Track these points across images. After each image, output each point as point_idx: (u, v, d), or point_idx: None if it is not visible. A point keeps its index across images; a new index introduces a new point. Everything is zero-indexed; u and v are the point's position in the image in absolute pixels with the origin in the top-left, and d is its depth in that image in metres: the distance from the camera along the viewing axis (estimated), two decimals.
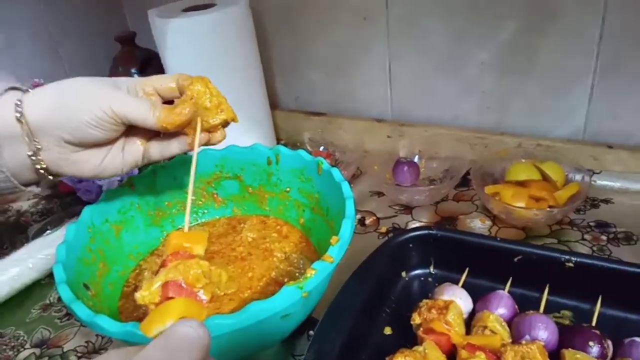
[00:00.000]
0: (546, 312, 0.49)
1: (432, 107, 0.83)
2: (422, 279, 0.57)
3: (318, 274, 0.43)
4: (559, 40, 0.69)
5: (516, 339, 0.46)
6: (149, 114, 0.44)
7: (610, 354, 0.44)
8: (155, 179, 0.62)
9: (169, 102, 0.49)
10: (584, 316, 0.49)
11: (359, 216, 0.71)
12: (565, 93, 0.72)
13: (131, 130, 0.47)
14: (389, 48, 0.81)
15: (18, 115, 0.42)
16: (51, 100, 0.43)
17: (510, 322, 0.48)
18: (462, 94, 0.79)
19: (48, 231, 0.71)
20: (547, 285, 0.51)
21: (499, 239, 0.57)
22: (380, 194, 0.75)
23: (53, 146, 0.44)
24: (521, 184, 0.66)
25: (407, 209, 0.71)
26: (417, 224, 0.68)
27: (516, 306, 0.50)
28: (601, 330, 0.45)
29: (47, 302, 0.64)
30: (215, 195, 0.65)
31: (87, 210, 0.54)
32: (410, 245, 0.57)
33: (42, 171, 0.45)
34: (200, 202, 0.65)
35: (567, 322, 0.50)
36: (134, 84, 0.47)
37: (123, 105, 0.44)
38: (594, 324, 0.47)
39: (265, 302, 0.40)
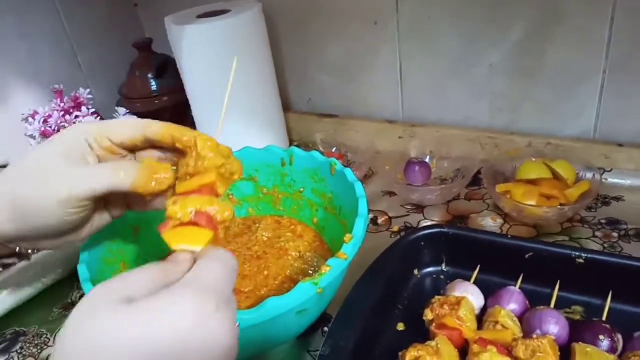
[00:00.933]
0: (557, 307, 0.50)
1: (443, 109, 0.84)
2: (434, 276, 0.58)
3: (332, 270, 0.44)
4: (567, 41, 0.69)
5: (527, 333, 0.47)
6: (116, 180, 0.37)
7: (620, 347, 0.45)
8: None
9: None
10: (594, 311, 0.50)
11: (371, 215, 0.72)
12: (574, 93, 0.72)
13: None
14: (400, 51, 0.82)
15: None
16: (10, 214, 0.37)
17: (521, 317, 0.49)
18: (473, 96, 0.80)
19: None
20: (558, 281, 0.52)
21: (509, 236, 0.57)
22: (392, 193, 0.76)
23: (30, 245, 0.41)
24: (532, 182, 0.67)
25: (419, 208, 0.72)
26: (429, 223, 0.69)
27: (527, 302, 0.51)
28: (611, 324, 0.46)
29: (69, 301, 0.66)
30: (231, 196, 0.67)
31: None
32: (422, 243, 0.58)
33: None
34: None
35: (577, 317, 0.51)
36: (85, 143, 0.38)
37: (85, 189, 0.37)
38: (604, 318, 0.48)
39: (281, 298, 0.42)
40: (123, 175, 0.37)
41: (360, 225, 0.48)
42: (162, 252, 0.61)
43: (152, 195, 0.39)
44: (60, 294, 0.67)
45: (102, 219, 0.43)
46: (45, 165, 0.37)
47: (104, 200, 0.42)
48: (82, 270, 0.47)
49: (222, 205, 0.35)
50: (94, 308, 0.27)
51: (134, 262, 0.57)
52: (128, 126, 0.39)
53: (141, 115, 0.81)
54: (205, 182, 0.36)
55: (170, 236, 0.33)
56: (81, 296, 0.66)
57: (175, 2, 0.88)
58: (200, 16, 0.79)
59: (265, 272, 0.57)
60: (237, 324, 0.30)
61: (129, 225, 0.59)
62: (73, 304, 0.65)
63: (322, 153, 0.62)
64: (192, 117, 0.85)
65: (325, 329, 0.54)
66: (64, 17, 0.93)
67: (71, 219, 0.38)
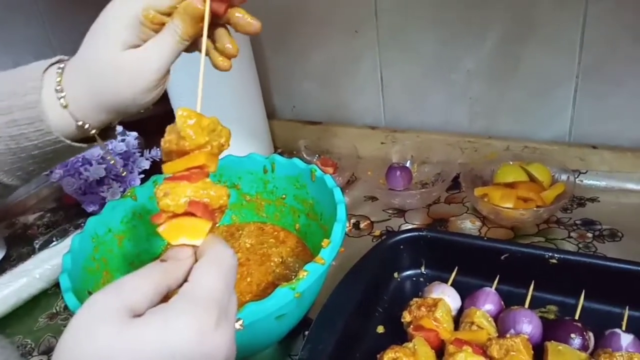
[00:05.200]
0: (532, 307, 0.51)
1: (423, 114, 0.85)
2: (414, 279, 0.59)
3: (310, 275, 0.45)
4: (541, 47, 0.71)
5: (502, 333, 0.48)
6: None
7: (591, 345, 0.46)
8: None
9: None
10: (568, 310, 0.51)
11: (353, 220, 0.74)
12: (549, 97, 0.74)
13: None
14: (380, 58, 0.84)
15: (62, 103, 0.41)
16: (93, 105, 0.41)
17: (496, 317, 0.50)
18: (451, 101, 0.82)
19: (54, 242, 0.74)
20: (533, 282, 0.53)
21: (486, 238, 0.59)
22: (374, 198, 0.78)
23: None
24: (509, 185, 0.68)
25: (400, 212, 0.74)
26: (410, 227, 0.70)
27: (502, 302, 0.52)
28: (583, 323, 0.47)
29: (54, 311, 0.67)
30: None
31: (91, 221, 0.57)
32: (402, 247, 0.59)
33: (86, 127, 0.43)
34: None
35: (552, 316, 0.52)
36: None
37: (159, 73, 0.41)
38: (577, 317, 0.49)
39: (259, 304, 0.43)
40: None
41: (338, 230, 0.50)
42: (147, 261, 0.62)
43: None
44: (46, 303, 0.68)
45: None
46: (123, 60, 0.40)
47: None
48: (64, 280, 0.48)
49: (217, 190, 0.33)
50: (95, 320, 0.26)
51: (117, 271, 0.58)
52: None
53: (126, 125, 0.82)
54: (193, 164, 0.33)
55: (167, 231, 0.32)
56: (66, 306, 0.66)
57: None
58: None
59: (249, 279, 0.58)
60: (240, 322, 0.30)
61: (113, 235, 0.59)
62: (58, 314, 0.66)
63: (306, 160, 0.63)
64: None
65: (307, 333, 0.54)
66: (49, 27, 0.93)
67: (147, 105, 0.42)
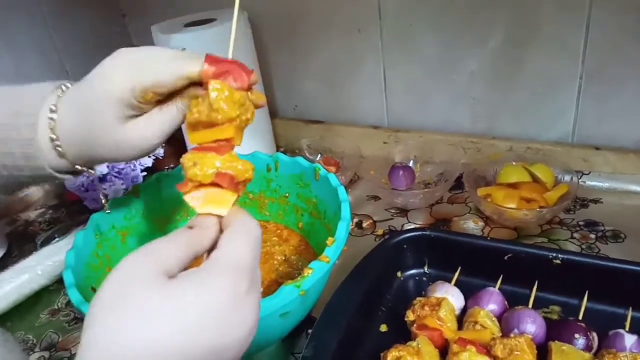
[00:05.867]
0: (535, 307, 0.51)
1: (426, 114, 0.85)
2: (417, 278, 0.60)
3: (315, 273, 0.45)
4: (544, 48, 0.71)
5: (505, 333, 0.48)
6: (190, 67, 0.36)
7: (595, 345, 0.46)
8: (160, 187, 0.64)
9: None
10: (572, 311, 0.51)
11: (356, 219, 0.74)
12: (553, 99, 0.74)
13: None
14: (383, 58, 0.84)
15: (53, 142, 0.40)
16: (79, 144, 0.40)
17: (500, 317, 0.50)
18: (455, 101, 0.82)
19: (56, 239, 0.74)
20: (536, 282, 0.53)
21: (489, 238, 0.59)
22: (376, 197, 0.78)
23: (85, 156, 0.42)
24: (512, 185, 0.68)
25: (403, 211, 0.74)
26: (412, 226, 0.70)
27: (506, 302, 0.52)
28: (587, 324, 0.47)
29: (56, 307, 0.67)
30: None
31: (94, 218, 0.57)
32: (405, 246, 0.59)
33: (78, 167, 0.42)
34: None
35: (555, 316, 0.52)
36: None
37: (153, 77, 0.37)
38: (580, 317, 0.49)
39: (264, 301, 0.42)
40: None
41: (342, 228, 0.49)
42: None
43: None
44: (47, 299, 0.68)
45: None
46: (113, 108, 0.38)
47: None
48: (68, 276, 0.48)
49: (243, 164, 0.33)
50: (132, 283, 0.26)
51: None
52: (169, 76, 0.37)
53: None
54: (221, 137, 0.34)
55: (193, 199, 0.32)
56: (68, 302, 0.66)
57: (163, 12, 0.89)
58: (187, 25, 0.80)
59: None
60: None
61: (117, 231, 0.59)
62: (60, 310, 0.66)
63: (308, 159, 0.63)
64: (181, 127, 0.86)
65: (310, 331, 0.54)
66: (51, 27, 0.93)
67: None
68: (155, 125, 0.39)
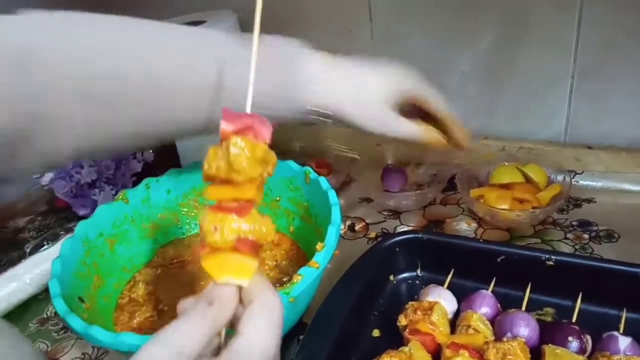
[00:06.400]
0: (529, 310, 0.51)
1: None
2: (410, 281, 0.59)
3: (304, 280, 0.44)
4: (536, 48, 0.71)
5: (499, 336, 0.48)
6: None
7: (589, 348, 0.46)
8: (148, 193, 0.63)
9: None
10: (565, 313, 0.50)
11: (348, 222, 0.73)
12: (545, 98, 0.74)
13: None
14: (375, 59, 0.83)
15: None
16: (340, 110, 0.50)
17: (493, 320, 0.50)
18: (447, 101, 0.81)
19: (45, 246, 0.73)
20: (529, 284, 0.52)
21: (481, 240, 0.58)
22: (369, 200, 0.77)
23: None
24: (505, 186, 0.68)
25: (396, 214, 0.73)
26: (405, 229, 0.69)
27: (499, 305, 0.51)
28: (581, 326, 0.47)
29: (45, 316, 0.66)
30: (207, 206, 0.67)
31: (81, 225, 0.56)
32: (397, 249, 0.58)
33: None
34: (193, 214, 0.67)
35: (549, 319, 0.51)
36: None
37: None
38: (574, 320, 0.49)
39: None
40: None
41: (332, 233, 0.49)
42: (138, 265, 0.61)
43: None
44: (36, 308, 0.67)
45: None
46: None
47: None
48: (54, 285, 0.47)
49: (266, 226, 0.31)
50: None
51: (108, 276, 0.57)
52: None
53: None
54: (242, 197, 0.31)
55: (212, 266, 0.31)
56: (57, 312, 0.65)
57: (152, 15, 0.88)
58: None
59: None
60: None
61: (105, 239, 0.58)
62: (49, 319, 0.65)
63: (298, 162, 0.62)
64: None
65: (302, 337, 0.54)
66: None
67: None
68: None
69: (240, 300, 0.30)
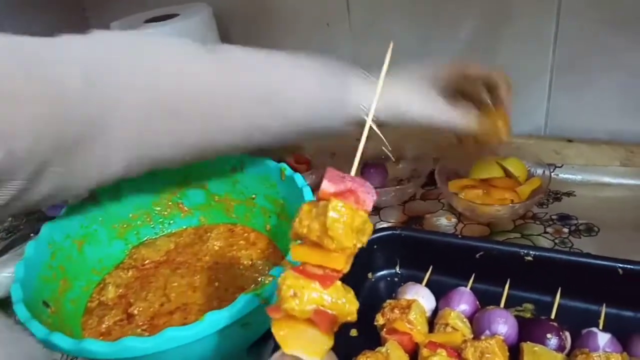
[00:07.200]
0: (508, 306, 0.50)
1: None
2: (389, 279, 0.58)
3: (276, 280, 0.43)
4: (515, 40, 0.70)
5: (477, 334, 0.47)
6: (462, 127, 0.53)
7: (568, 345, 0.45)
8: (119, 191, 0.61)
9: None
10: (545, 309, 0.50)
11: None
12: (524, 91, 0.73)
13: None
14: (353, 51, 0.82)
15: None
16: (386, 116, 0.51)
17: (471, 318, 0.49)
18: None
19: (14, 249, 0.70)
20: (508, 280, 0.51)
21: (460, 236, 0.57)
22: None
23: None
24: (485, 181, 0.67)
25: (375, 210, 0.72)
26: (385, 225, 0.68)
27: (477, 302, 0.50)
28: (560, 322, 0.46)
29: (13, 321, 0.63)
30: (181, 205, 0.65)
31: (46, 227, 0.54)
32: (375, 246, 0.57)
33: None
34: (166, 213, 0.65)
35: (528, 315, 0.51)
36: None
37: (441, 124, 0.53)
38: (553, 316, 0.48)
39: (223, 311, 0.40)
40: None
41: None
42: (109, 267, 0.59)
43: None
44: (4, 313, 0.64)
45: None
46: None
47: None
48: (16, 290, 0.45)
49: (349, 302, 0.29)
50: None
51: (76, 279, 0.55)
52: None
53: None
54: (329, 265, 0.30)
55: (284, 335, 0.29)
56: None
57: (124, 8, 0.86)
58: (148, 21, 0.77)
59: (217, 284, 0.56)
60: None
61: (72, 240, 0.56)
62: (17, 324, 0.62)
63: (273, 159, 0.61)
64: None
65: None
66: (10, 22, 0.89)
67: None
68: None
69: None
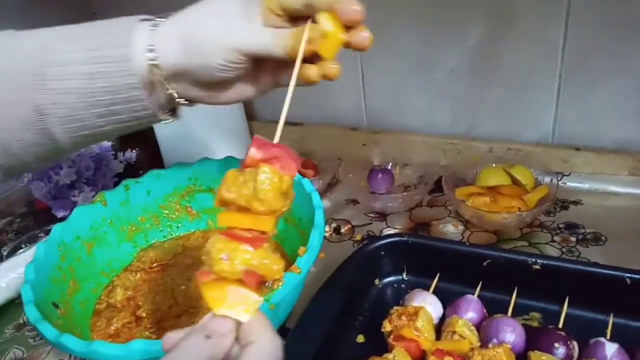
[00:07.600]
0: (515, 314, 0.50)
1: (405, 115, 0.84)
2: (395, 285, 0.58)
3: (285, 286, 0.43)
4: (523, 46, 0.70)
5: (484, 342, 0.47)
6: (274, 48, 0.39)
7: (575, 354, 0.45)
8: (128, 195, 0.62)
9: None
10: (552, 318, 0.50)
11: (334, 224, 0.72)
12: (532, 97, 0.73)
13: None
14: (361, 58, 0.82)
15: (153, 62, 0.39)
16: (179, 45, 0.39)
17: (479, 326, 0.49)
18: (434, 101, 0.80)
19: (22, 249, 0.71)
20: (516, 288, 0.52)
21: (467, 244, 0.57)
22: (355, 201, 0.76)
23: (182, 88, 0.42)
24: (492, 188, 0.67)
25: (382, 216, 0.72)
26: (392, 231, 0.68)
27: (485, 310, 0.50)
28: (567, 332, 0.46)
29: (21, 321, 0.64)
30: (189, 209, 0.65)
31: (57, 228, 0.54)
32: (383, 252, 0.57)
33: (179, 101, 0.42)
34: (174, 216, 0.65)
35: (535, 323, 0.51)
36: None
37: (249, 44, 0.39)
38: (561, 325, 0.48)
39: None
40: (282, 42, 0.39)
41: (315, 237, 0.48)
42: (117, 269, 0.59)
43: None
44: (13, 314, 0.65)
45: (246, 90, 0.44)
46: (225, 13, 0.39)
47: (256, 71, 0.43)
48: (26, 291, 0.45)
49: (277, 263, 0.30)
50: None
51: (85, 281, 0.55)
52: None
53: None
54: (258, 228, 0.30)
55: (214, 296, 0.29)
56: None
57: (134, 12, 0.86)
58: None
59: None
60: None
61: (82, 242, 0.57)
62: (25, 325, 0.63)
63: None
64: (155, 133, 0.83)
65: (284, 343, 0.53)
66: (19, 26, 0.90)
67: (226, 69, 0.40)
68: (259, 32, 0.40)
69: (236, 337, 0.28)
